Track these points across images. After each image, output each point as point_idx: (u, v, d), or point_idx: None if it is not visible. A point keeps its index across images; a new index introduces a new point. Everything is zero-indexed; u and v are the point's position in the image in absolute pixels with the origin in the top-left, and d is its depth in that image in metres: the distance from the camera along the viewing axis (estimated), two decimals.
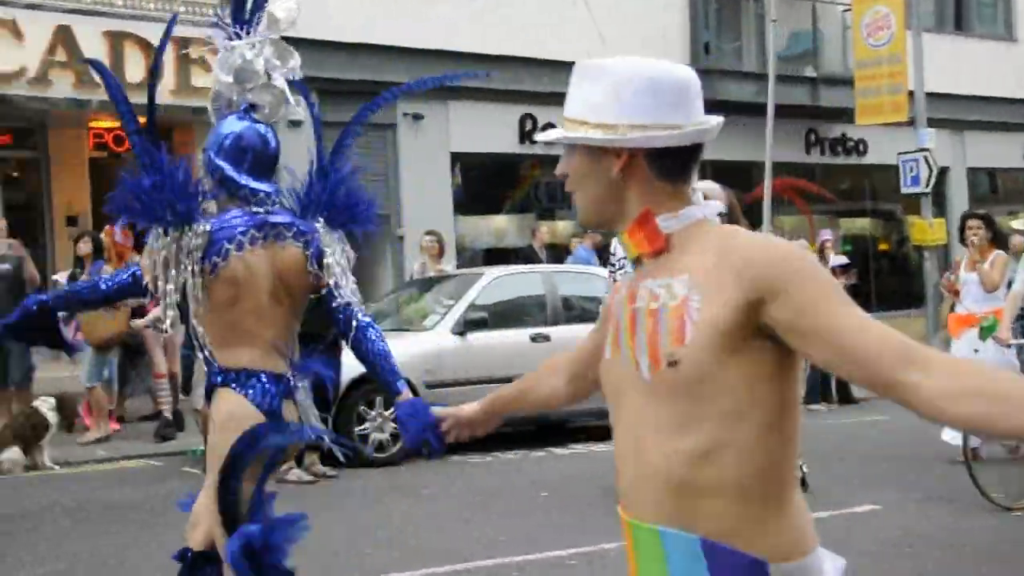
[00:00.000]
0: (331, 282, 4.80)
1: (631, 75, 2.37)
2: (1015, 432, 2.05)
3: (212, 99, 5.13)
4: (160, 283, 4.63)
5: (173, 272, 4.61)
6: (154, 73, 5.01)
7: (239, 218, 4.78)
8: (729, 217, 5.68)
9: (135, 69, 16.25)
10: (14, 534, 8.40)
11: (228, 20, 5.07)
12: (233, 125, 4.95)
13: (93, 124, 17.59)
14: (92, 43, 15.86)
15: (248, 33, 5.01)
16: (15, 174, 17.54)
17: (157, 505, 9.48)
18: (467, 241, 19.84)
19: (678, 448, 2.25)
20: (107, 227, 13.88)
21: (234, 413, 4.61)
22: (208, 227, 4.69)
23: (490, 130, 19.22)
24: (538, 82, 18.95)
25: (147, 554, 7.94)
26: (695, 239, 2.34)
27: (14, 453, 10.91)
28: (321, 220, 4.89)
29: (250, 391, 4.66)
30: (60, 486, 10.48)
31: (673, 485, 2.26)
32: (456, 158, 19.38)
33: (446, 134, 19.05)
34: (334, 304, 4.81)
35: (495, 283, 13.31)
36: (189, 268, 4.61)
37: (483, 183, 20.19)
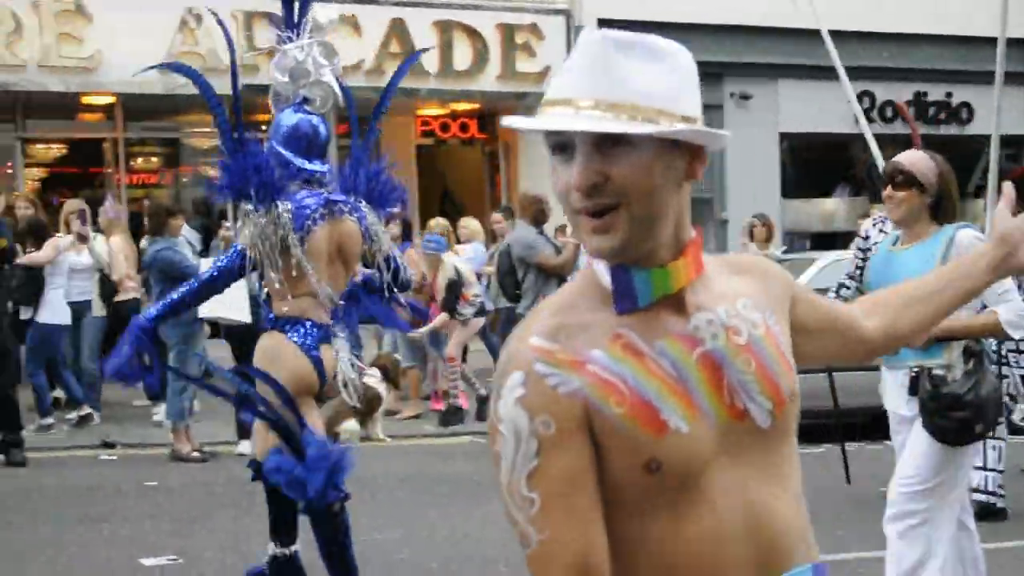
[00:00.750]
0: (387, 251, 6.18)
1: (690, 61, 1.99)
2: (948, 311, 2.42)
3: (271, 95, 6.14)
4: (262, 254, 5.76)
5: (277, 244, 5.73)
6: (234, 70, 6.00)
7: (310, 198, 5.85)
8: (939, 192, 5.36)
9: (462, 56, 17.14)
10: (354, 500, 9.17)
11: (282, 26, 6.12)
12: (290, 117, 5.97)
13: (420, 112, 18.60)
14: (423, 34, 16.83)
15: (297, 36, 6.04)
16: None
17: (484, 479, 10.10)
18: (793, 225, 19.84)
19: (795, 486, 2.07)
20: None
21: (271, 349, 5.85)
22: (290, 206, 5.77)
23: (823, 109, 18.74)
24: (877, 57, 18.65)
25: (478, 527, 8.48)
26: None
27: (351, 424, 11.85)
28: (363, 202, 6.04)
29: (294, 334, 5.87)
30: (392, 457, 11.24)
31: (801, 528, 2.06)
32: (785, 138, 19.37)
33: (775, 114, 19.06)
34: (393, 267, 6.22)
35: (830, 268, 12.79)
36: (288, 238, 5.74)
37: (813, 164, 20.08)
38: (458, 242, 14.20)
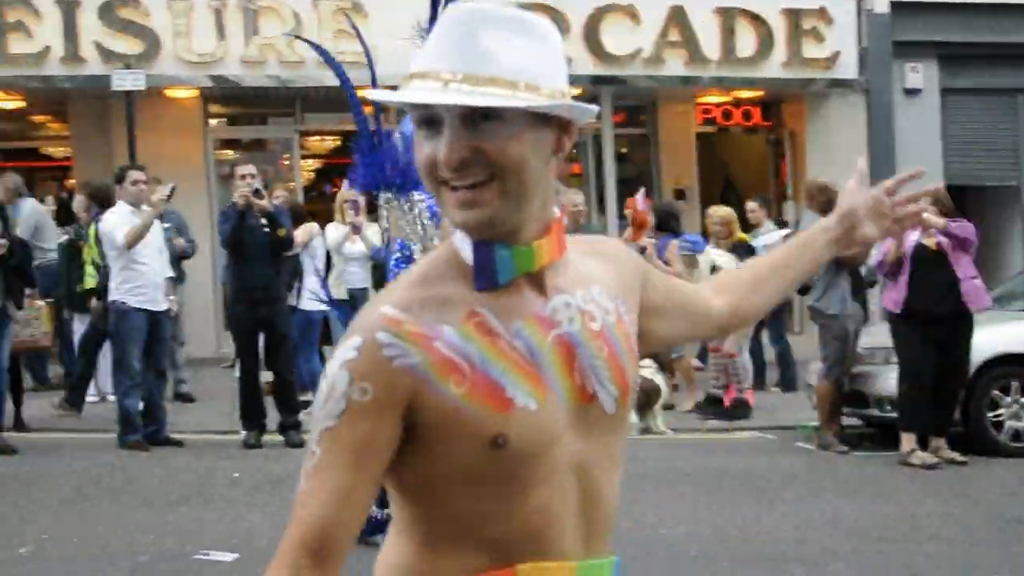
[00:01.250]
0: None
1: (557, 35, 2.01)
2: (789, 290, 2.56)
3: None
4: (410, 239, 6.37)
5: (420, 231, 6.30)
6: (369, 58, 6.62)
7: None
8: None
9: (745, 43, 16.79)
10: (637, 495, 9.00)
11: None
12: None
13: (702, 100, 18.33)
14: (704, 21, 16.58)
15: None
16: (624, 150, 18.66)
17: (773, 476, 9.79)
18: None
19: (620, 475, 2.14)
20: (628, 198, 14.50)
21: None
22: (425, 195, 6.20)
23: None
24: None
25: (769, 524, 8.21)
26: None
27: (631, 417, 11.69)
28: None
29: None
30: (675, 452, 11.04)
31: (615, 516, 2.13)
32: None
33: None
34: None
35: None
36: (423, 225, 6.28)
37: None
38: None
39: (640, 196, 13.93)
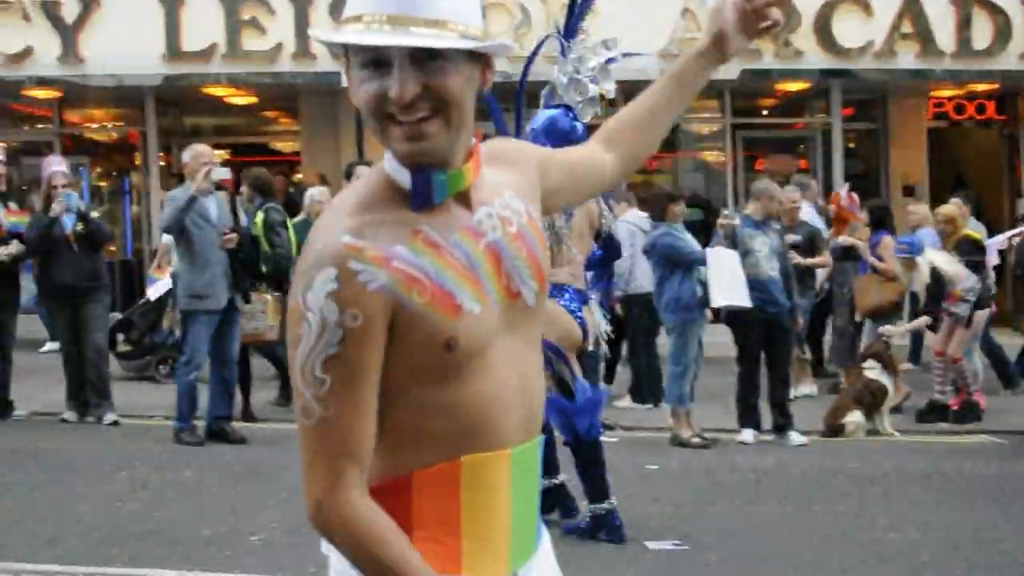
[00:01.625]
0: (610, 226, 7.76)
1: None
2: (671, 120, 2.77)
3: (547, 89, 7.11)
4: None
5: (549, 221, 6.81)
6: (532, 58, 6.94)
7: None
8: None
9: (981, 34, 16.35)
10: (866, 498, 8.92)
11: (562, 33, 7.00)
12: (551, 112, 6.95)
13: (934, 93, 17.95)
14: (939, 11, 16.21)
15: (570, 40, 6.95)
16: (852, 145, 18.39)
17: (1008, 482, 9.56)
18: None
19: (540, 362, 2.42)
20: (833, 193, 14.25)
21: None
22: None
23: None
24: None
25: (1005, 531, 8.02)
26: None
27: (856, 417, 11.56)
28: None
29: (559, 299, 7.13)
30: (903, 454, 10.84)
31: (542, 399, 2.41)
32: None
33: None
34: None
35: None
36: (555, 217, 6.86)
37: None
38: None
39: (844, 192, 13.80)
